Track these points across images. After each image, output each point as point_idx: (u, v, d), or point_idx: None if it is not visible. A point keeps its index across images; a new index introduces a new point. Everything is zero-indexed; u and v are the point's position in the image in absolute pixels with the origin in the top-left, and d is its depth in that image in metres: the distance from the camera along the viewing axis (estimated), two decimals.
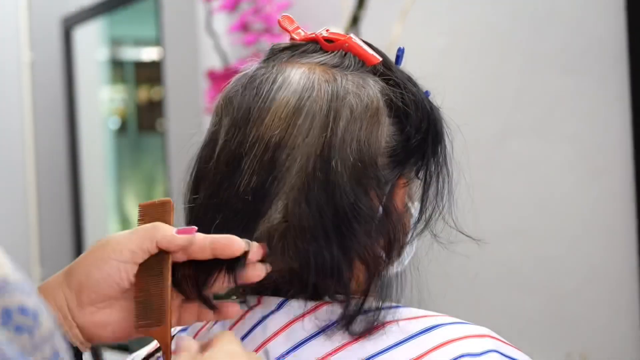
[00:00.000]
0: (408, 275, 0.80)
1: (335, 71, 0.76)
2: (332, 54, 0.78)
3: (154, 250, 0.70)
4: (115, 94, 4.16)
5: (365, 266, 0.74)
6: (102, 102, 3.85)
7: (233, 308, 0.73)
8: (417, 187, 0.79)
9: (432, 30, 1.97)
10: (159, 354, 0.76)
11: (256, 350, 0.73)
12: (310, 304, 0.74)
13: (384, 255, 0.74)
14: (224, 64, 2.46)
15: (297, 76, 0.75)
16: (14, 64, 3.52)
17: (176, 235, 0.69)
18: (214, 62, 2.56)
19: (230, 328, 0.76)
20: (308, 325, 0.73)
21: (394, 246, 0.75)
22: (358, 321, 0.72)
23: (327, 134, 0.72)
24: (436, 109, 0.80)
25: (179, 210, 0.76)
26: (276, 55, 0.79)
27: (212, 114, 0.80)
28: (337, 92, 0.74)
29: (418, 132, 0.77)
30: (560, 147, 1.74)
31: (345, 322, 0.72)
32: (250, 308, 0.76)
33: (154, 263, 0.70)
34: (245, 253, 0.70)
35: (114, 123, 4.05)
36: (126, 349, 2.54)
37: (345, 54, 0.78)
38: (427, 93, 0.81)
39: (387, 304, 0.74)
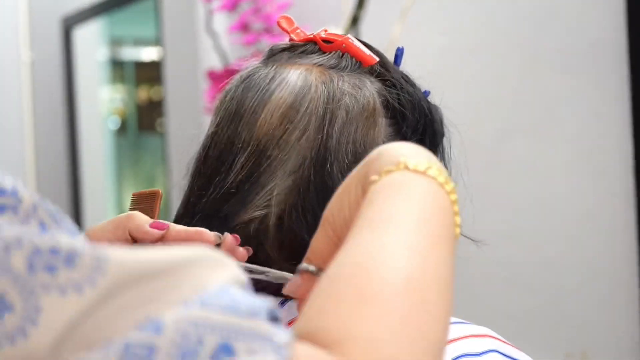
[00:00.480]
0: None
1: (332, 72, 0.76)
2: (330, 55, 0.78)
3: (127, 239, 0.72)
4: (115, 94, 4.17)
5: None
6: (102, 102, 3.85)
7: None
8: None
9: (432, 30, 1.97)
10: None
11: None
12: None
13: None
14: (224, 63, 2.46)
15: (294, 77, 0.75)
16: (14, 64, 3.52)
17: (147, 227, 0.71)
18: (214, 62, 2.55)
19: None
20: None
21: None
22: None
23: (322, 136, 0.72)
24: (435, 109, 0.80)
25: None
26: (275, 55, 0.79)
27: (212, 114, 0.80)
28: (334, 93, 0.74)
29: (415, 133, 0.76)
30: (560, 147, 1.73)
31: None
32: None
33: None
34: (217, 245, 0.70)
35: (114, 123, 4.05)
36: None
37: (343, 55, 0.78)
38: (426, 93, 0.80)
39: None
